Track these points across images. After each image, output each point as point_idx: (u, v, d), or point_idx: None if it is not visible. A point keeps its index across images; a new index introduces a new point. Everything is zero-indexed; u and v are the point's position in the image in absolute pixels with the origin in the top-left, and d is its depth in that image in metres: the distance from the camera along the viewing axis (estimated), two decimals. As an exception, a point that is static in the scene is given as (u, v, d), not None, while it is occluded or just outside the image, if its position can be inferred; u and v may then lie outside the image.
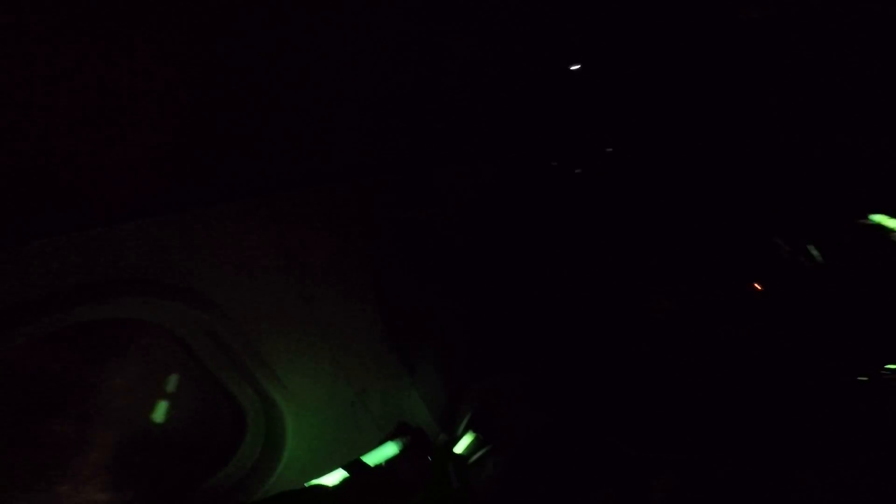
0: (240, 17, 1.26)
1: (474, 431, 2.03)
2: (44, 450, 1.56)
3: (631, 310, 2.13)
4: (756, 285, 1.94)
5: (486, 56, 1.95)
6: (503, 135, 2.30)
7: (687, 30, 1.93)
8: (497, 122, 2.26)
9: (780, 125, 1.94)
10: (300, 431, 1.91)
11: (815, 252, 1.84)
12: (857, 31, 1.69)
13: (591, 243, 2.26)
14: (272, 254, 1.79)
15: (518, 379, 2.25)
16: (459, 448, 2.03)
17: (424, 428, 2.01)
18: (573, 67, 2.07)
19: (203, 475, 1.79)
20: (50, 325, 1.39)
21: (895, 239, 1.73)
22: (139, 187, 1.46)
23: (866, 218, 1.76)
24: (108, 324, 1.61)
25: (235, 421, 1.87)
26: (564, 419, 2.12)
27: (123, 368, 1.69)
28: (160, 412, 1.76)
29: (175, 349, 1.71)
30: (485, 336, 2.31)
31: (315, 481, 1.52)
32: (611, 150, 2.22)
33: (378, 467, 1.59)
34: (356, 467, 1.54)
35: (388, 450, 1.67)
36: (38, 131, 1.20)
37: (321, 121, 1.70)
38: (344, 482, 1.48)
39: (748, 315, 1.95)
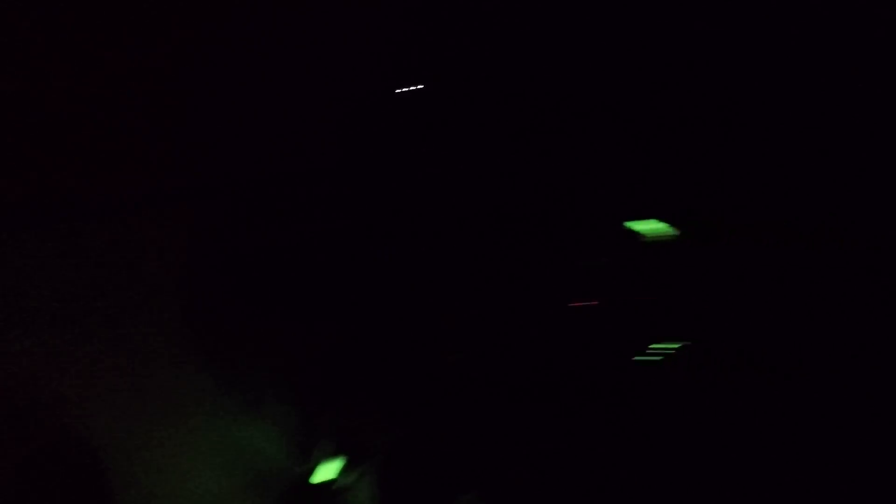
0: None
1: (335, 454, 1.98)
2: None
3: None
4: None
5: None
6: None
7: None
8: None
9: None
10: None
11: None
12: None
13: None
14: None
15: (372, 393, 2.16)
16: (323, 475, 1.94)
17: (280, 457, 1.94)
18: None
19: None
20: None
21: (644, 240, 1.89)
22: None
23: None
24: None
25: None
26: (424, 425, 2.03)
27: None
28: None
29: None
30: (333, 352, 2.20)
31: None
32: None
33: None
34: None
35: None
36: None
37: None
38: None
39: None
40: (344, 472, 1.92)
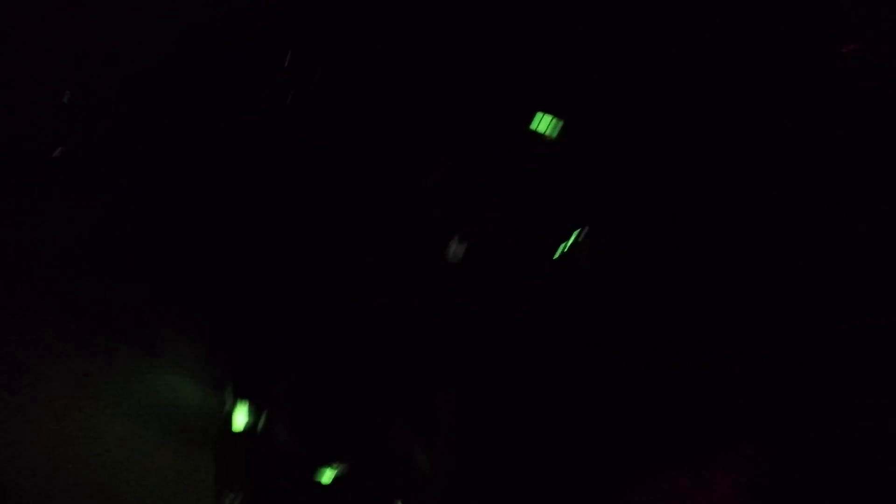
0: None
1: (244, 398, 1.78)
2: None
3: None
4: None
5: None
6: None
7: None
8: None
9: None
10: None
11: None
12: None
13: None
14: None
15: (274, 317, 1.97)
16: (239, 423, 1.80)
17: (201, 401, 1.81)
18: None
19: None
20: None
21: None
22: None
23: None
24: None
25: None
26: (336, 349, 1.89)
27: None
28: None
29: None
30: (230, 279, 2.03)
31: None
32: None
33: None
34: None
35: None
36: None
37: None
38: None
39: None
40: (254, 414, 1.78)
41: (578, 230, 1.66)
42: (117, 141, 1.93)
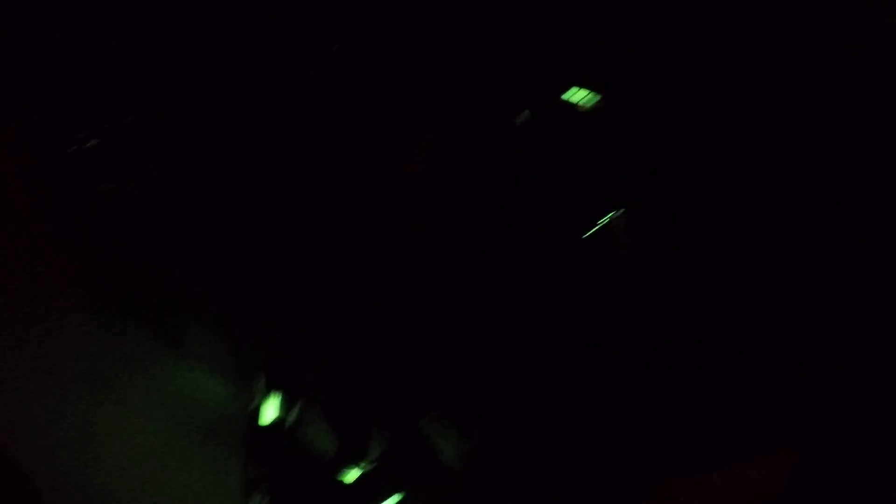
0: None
1: (275, 390, 1.72)
2: None
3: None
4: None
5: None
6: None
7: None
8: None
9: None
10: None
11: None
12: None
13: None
14: None
15: (306, 314, 1.90)
16: (268, 417, 1.73)
17: (228, 397, 1.81)
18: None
19: None
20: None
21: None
22: None
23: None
24: None
25: None
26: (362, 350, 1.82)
27: None
28: None
29: None
30: (256, 270, 1.98)
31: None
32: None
33: None
34: None
35: None
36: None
37: None
38: None
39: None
40: (285, 407, 1.71)
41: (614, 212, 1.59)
42: (141, 134, 1.90)
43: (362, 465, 1.60)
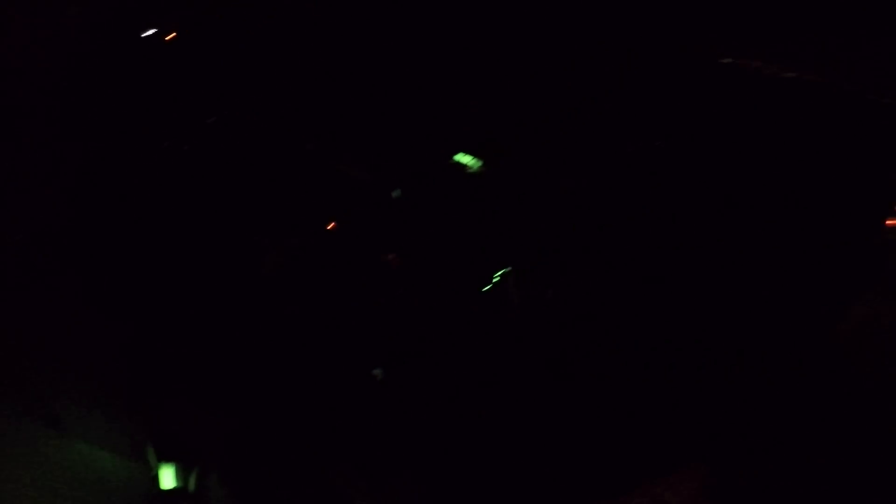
0: None
1: (168, 461, 1.73)
2: None
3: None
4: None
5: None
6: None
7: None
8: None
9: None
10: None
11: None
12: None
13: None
14: None
15: (190, 390, 1.93)
16: (166, 483, 1.72)
17: (117, 470, 1.75)
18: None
19: None
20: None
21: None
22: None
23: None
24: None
25: None
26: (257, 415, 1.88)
27: None
28: None
29: None
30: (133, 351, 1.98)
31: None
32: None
33: None
34: None
35: None
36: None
37: None
38: None
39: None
40: (184, 474, 1.70)
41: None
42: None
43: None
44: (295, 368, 1.74)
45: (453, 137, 1.76)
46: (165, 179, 1.81)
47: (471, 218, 1.74)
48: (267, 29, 1.80)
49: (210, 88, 1.82)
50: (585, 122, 1.73)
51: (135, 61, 1.82)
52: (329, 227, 1.75)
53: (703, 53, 1.72)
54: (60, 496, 1.71)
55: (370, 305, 1.70)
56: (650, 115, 1.71)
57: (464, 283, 1.71)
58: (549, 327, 1.67)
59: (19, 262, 1.77)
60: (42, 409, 1.73)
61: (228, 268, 1.78)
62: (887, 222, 1.60)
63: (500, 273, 1.68)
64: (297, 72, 1.79)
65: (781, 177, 1.67)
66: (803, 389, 1.55)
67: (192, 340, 1.79)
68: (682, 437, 1.61)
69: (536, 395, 1.66)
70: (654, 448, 1.60)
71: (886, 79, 1.63)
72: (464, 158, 1.74)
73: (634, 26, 1.76)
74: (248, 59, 1.81)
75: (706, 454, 1.58)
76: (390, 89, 1.76)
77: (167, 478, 1.72)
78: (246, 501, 1.73)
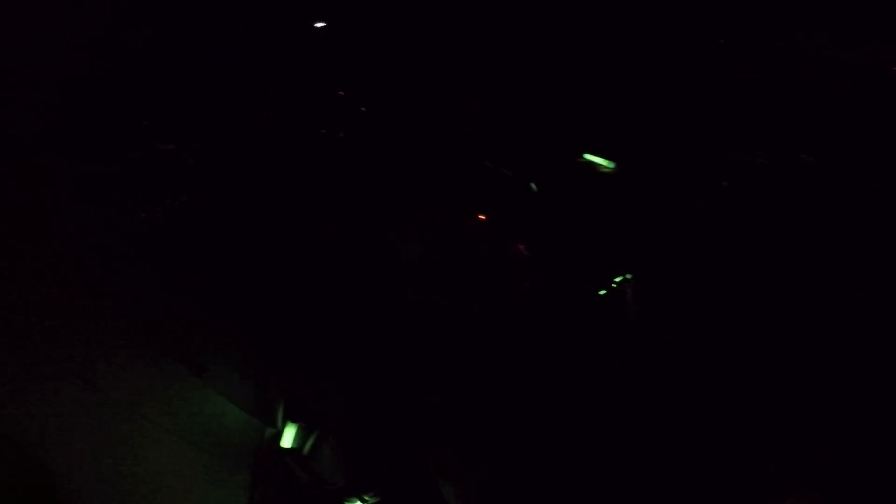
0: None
1: (294, 421, 1.95)
2: None
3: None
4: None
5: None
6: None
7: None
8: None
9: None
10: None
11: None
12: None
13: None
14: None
15: (321, 358, 2.07)
16: (286, 442, 1.95)
17: (241, 426, 1.94)
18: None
19: None
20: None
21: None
22: None
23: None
24: None
25: None
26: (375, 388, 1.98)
27: None
28: None
29: None
30: (276, 316, 2.11)
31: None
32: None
33: None
34: None
35: None
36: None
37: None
38: None
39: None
40: (303, 437, 1.88)
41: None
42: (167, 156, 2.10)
43: (366, 498, 1.73)
44: (421, 355, 1.87)
45: (589, 137, 1.88)
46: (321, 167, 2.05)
47: (599, 218, 1.81)
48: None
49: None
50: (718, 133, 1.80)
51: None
52: (474, 219, 1.90)
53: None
54: (193, 444, 1.94)
55: (497, 297, 1.82)
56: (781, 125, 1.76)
57: (584, 282, 1.77)
58: (658, 338, 1.68)
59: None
60: (193, 361, 1.95)
61: (367, 255, 1.98)
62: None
63: (619, 278, 1.74)
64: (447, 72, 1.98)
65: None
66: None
67: (327, 323, 2.00)
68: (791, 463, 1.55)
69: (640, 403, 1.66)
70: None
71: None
72: (595, 158, 1.85)
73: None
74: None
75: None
76: (533, 87, 1.91)
77: (289, 437, 1.92)
78: (348, 469, 1.84)
